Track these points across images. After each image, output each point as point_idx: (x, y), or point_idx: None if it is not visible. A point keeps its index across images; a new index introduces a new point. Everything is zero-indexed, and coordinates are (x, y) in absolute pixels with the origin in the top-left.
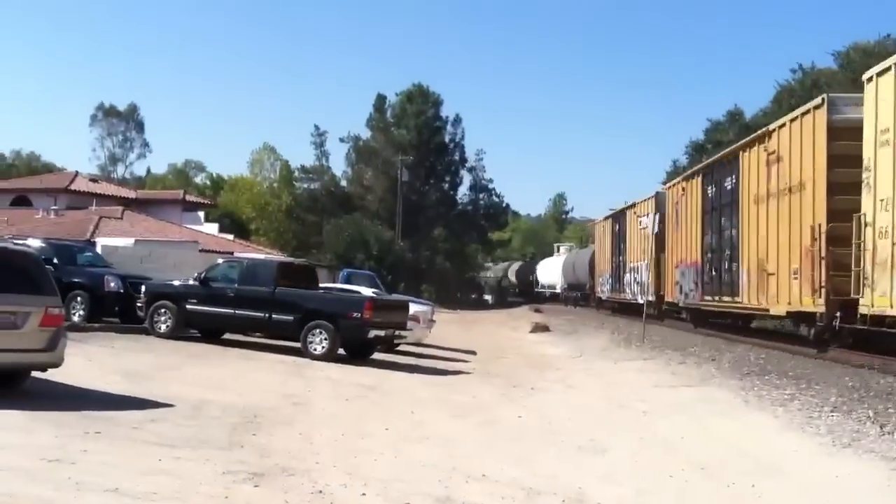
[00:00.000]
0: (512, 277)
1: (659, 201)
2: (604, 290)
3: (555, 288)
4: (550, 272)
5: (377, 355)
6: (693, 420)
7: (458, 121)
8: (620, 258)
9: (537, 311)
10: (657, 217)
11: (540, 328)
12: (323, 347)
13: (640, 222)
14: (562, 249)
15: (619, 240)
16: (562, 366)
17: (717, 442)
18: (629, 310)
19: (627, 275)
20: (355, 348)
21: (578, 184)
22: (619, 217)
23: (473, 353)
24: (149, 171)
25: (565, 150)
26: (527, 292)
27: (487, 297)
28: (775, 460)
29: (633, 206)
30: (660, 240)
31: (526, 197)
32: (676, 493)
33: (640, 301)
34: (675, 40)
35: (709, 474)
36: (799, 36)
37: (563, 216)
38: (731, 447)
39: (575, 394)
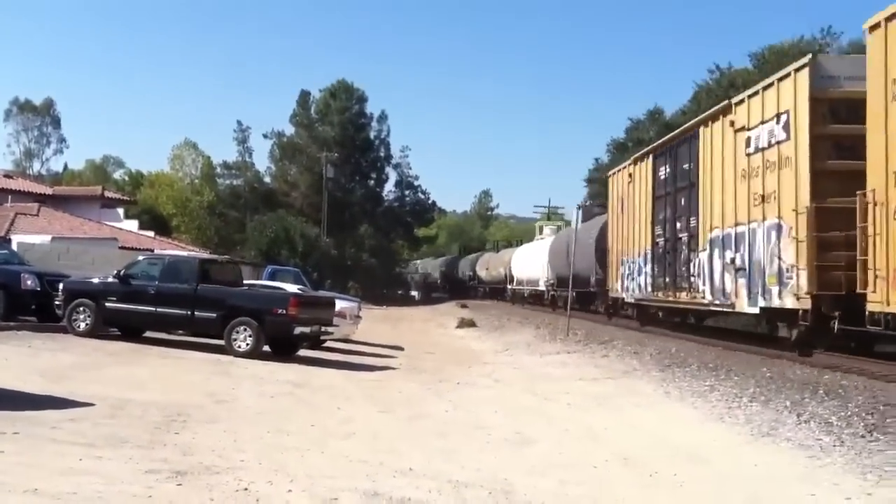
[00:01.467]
0: (435, 273)
1: (818, 78)
2: (631, 286)
3: (536, 284)
4: (529, 263)
5: (303, 352)
6: (616, 412)
7: (383, 117)
8: (679, 225)
9: (463, 306)
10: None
11: (466, 324)
12: (247, 345)
13: (753, 139)
14: (546, 230)
15: (673, 190)
16: (488, 360)
17: (640, 433)
18: (705, 325)
19: (700, 256)
20: (281, 345)
21: (503, 181)
22: (673, 148)
23: (401, 348)
24: (66, 166)
25: (490, 148)
26: (453, 288)
27: (414, 294)
28: (696, 450)
29: (723, 111)
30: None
31: (451, 194)
32: (601, 483)
33: (748, 309)
34: (596, 41)
35: (632, 464)
36: (716, 37)
37: (489, 213)
38: (654, 438)
39: (501, 388)
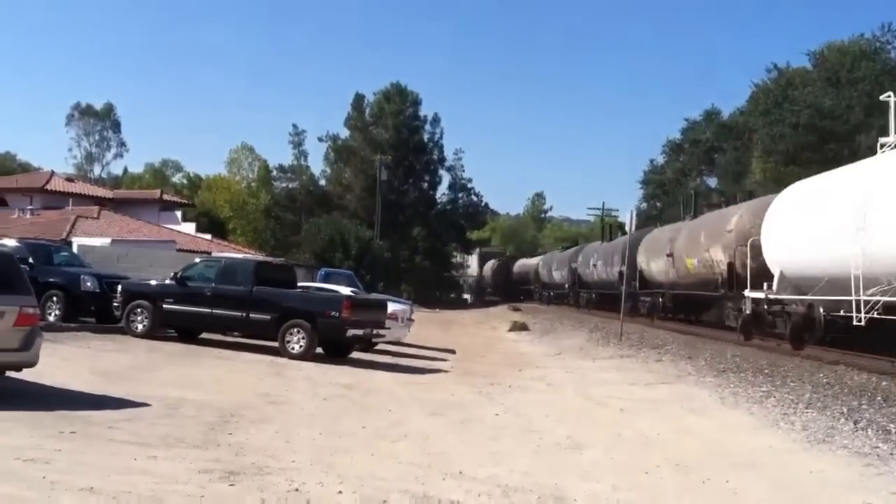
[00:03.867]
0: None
1: None
2: None
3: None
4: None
5: (355, 354)
6: (669, 417)
7: (436, 120)
8: None
9: (515, 309)
10: None
11: (518, 327)
12: (301, 346)
13: None
14: None
15: None
16: (540, 364)
17: (693, 439)
18: None
19: None
20: (333, 347)
21: (557, 183)
22: None
23: (452, 351)
24: (125, 170)
25: (544, 150)
26: (505, 291)
27: (466, 297)
28: (750, 456)
29: None
30: None
31: (505, 196)
32: (652, 490)
33: None
34: (652, 41)
35: (684, 471)
36: (774, 36)
37: (542, 215)
38: (707, 444)
39: (553, 392)
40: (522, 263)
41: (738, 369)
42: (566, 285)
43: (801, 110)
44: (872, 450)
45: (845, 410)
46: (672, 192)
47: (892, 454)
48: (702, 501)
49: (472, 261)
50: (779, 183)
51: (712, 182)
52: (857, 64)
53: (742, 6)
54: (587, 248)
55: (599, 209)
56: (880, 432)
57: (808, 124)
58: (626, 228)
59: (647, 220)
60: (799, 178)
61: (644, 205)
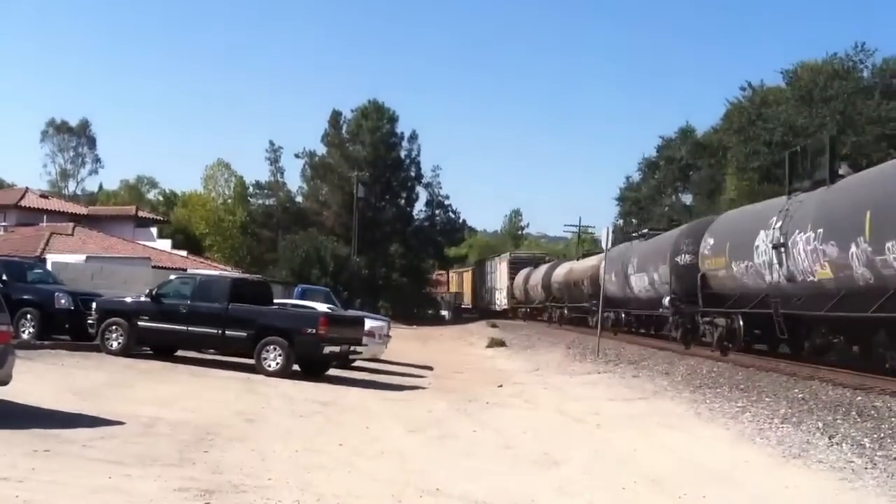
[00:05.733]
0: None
1: None
2: None
3: None
4: None
5: (332, 371)
6: (646, 433)
7: (414, 137)
8: None
9: (493, 326)
10: None
11: (496, 343)
12: (277, 364)
13: None
14: None
15: None
16: (518, 380)
17: (670, 454)
18: None
19: None
20: (310, 364)
21: (534, 200)
22: None
23: (430, 368)
24: (101, 186)
25: (521, 166)
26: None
27: (444, 313)
28: (727, 471)
29: None
30: None
31: (482, 213)
32: None
33: None
34: (626, 59)
35: (661, 486)
36: (748, 55)
37: (519, 232)
38: (683, 459)
39: (530, 408)
40: (569, 269)
41: (714, 384)
42: (665, 300)
43: (774, 128)
44: (847, 464)
45: (820, 425)
46: (647, 209)
47: (866, 468)
48: None
49: (453, 276)
50: (753, 200)
51: (687, 199)
52: (831, 83)
53: (717, 25)
54: (723, 222)
55: (576, 226)
56: (855, 447)
57: (782, 142)
58: (603, 246)
59: (624, 236)
60: (773, 195)
61: (620, 222)
